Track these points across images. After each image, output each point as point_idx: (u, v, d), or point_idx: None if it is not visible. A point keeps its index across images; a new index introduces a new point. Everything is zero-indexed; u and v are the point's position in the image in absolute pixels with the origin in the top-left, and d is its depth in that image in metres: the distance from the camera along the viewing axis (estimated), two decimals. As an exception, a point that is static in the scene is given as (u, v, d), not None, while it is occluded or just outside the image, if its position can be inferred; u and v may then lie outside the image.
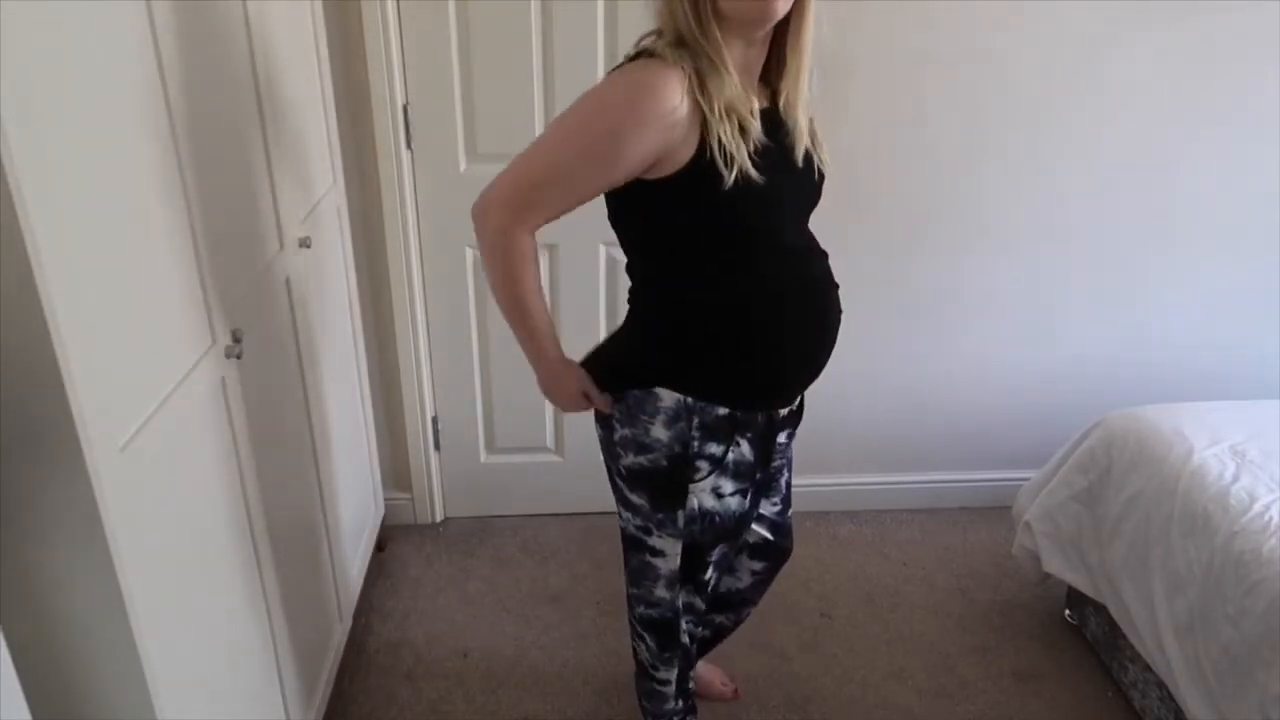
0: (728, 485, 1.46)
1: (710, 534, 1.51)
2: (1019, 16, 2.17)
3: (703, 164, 1.23)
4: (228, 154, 1.41)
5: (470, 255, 2.35)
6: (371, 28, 2.07)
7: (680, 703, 1.79)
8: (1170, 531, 1.80)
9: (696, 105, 1.22)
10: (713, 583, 1.62)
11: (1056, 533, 2.10)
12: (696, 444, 1.40)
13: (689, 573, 1.57)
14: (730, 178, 1.22)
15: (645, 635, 1.69)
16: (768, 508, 1.70)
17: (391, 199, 2.24)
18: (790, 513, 1.75)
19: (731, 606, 1.87)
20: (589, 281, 2.38)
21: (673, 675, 1.74)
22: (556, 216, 1.33)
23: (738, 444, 1.42)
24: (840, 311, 1.46)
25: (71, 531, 0.99)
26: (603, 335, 2.47)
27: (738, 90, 1.24)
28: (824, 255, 1.45)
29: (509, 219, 1.31)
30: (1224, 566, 1.66)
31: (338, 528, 1.97)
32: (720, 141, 1.21)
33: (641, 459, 1.45)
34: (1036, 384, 2.59)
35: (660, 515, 1.50)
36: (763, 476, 1.54)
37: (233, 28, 1.45)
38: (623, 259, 2.52)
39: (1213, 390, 2.45)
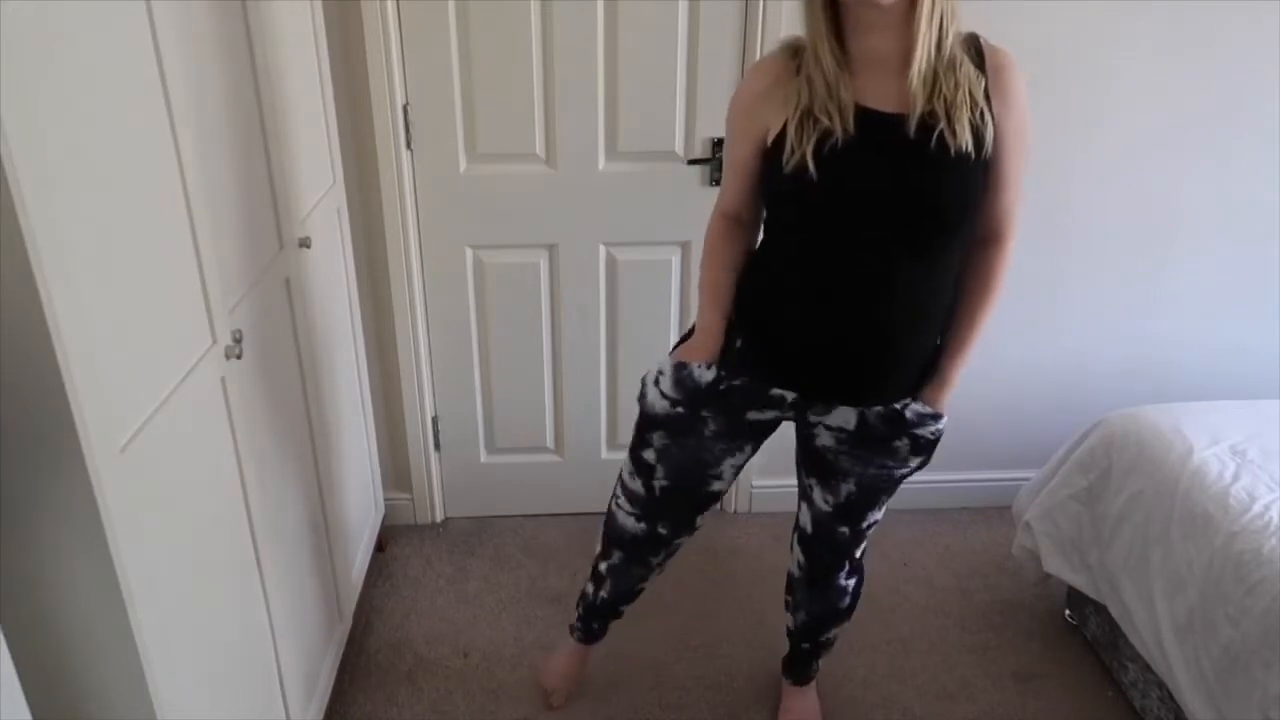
0: (658, 374, 1.59)
1: (642, 403, 1.63)
2: (1019, 17, 2.16)
3: (780, 141, 1.34)
4: (227, 154, 1.41)
5: (470, 255, 2.35)
6: (371, 28, 2.07)
7: (580, 608, 1.94)
8: (1170, 531, 1.80)
9: (788, 90, 1.34)
10: (660, 484, 1.65)
11: (1056, 533, 2.10)
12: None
13: (634, 442, 1.66)
14: (789, 165, 1.32)
15: None
16: (820, 497, 1.66)
17: (391, 199, 2.23)
18: (845, 532, 1.68)
19: (792, 596, 1.85)
20: (589, 281, 2.38)
21: (603, 564, 1.83)
22: (739, 199, 1.50)
23: (709, 367, 1.53)
24: (888, 346, 1.43)
25: (71, 531, 0.99)
26: (604, 334, 2.47)
27: (822, 90, 1.30)
28: (905, 291, 1.38)
29: (714, 211, 1.55)
30: (1224, 566, 1.66)
31: (338, 528, 1.97)
32: (791, 130, 1.32)
33: None
34: (1036, 384, 2.59)
35: None
36: (696, 419, 1.57)
37: (233, 28, 1.45)
38: (621, 259, 2.53)
39: (1213, 390, 2.44)
